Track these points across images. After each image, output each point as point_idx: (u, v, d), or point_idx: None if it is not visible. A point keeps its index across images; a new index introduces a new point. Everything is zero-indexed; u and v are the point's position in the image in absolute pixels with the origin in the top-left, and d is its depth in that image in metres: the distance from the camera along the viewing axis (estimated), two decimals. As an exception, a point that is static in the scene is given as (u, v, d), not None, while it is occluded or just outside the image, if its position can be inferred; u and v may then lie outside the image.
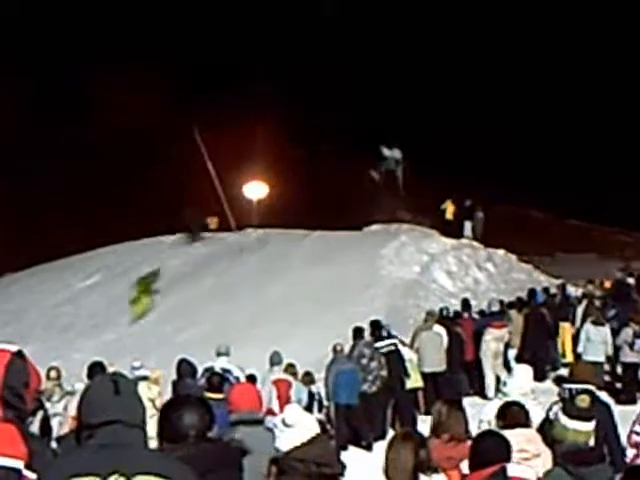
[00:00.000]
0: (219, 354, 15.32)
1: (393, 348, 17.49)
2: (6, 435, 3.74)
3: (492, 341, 19.71)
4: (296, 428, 4.81)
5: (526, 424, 7.39)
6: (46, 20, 59.55)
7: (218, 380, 12.22)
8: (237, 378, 14.54)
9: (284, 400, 14.51)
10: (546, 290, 25.31)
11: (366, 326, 18.00)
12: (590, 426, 6.63)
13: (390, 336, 18.08)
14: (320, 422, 13.31)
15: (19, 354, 3.94)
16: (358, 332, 17.43)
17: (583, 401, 6.81)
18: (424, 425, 13.12)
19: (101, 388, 3.56)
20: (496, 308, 20.92)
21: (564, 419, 6.60)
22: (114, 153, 54.03)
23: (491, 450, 5.29)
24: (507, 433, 6.00)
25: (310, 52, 60.12)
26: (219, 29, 61.63)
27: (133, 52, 56.16)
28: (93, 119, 52.02)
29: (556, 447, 6.71)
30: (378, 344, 17.33)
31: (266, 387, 14.76)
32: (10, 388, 3.84)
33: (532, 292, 23.93)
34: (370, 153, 40.08)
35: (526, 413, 7.46)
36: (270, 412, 13.42)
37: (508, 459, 5.27)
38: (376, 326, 18.16)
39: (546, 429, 7.47)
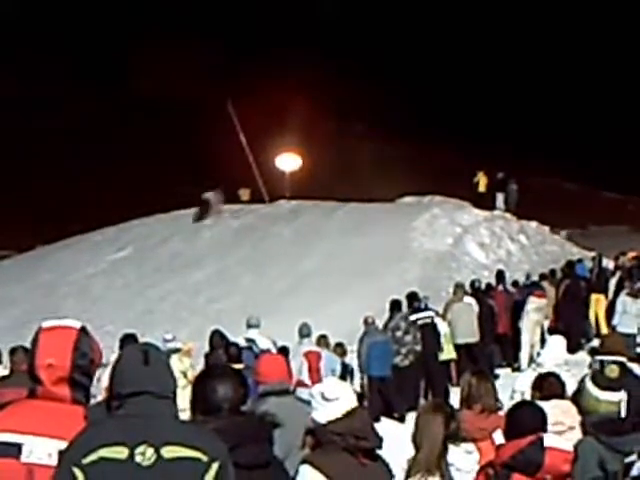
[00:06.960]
0: (250, 326, 15.26)
1: (429, 321, 17.40)
2: (73, 419, 3.67)
3: (533, 311, 19.58)
4: (336, 402, 4.75)
5: (562, 396, 7.37)
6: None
7: (235, 350, 12.43)
8: (262, 349, 14.49)
9: (315, 372, 14.48)
10: (579, 261, 25.14)
11: (402, 298, 17.87)
12: (620, 395, 6.60)
13: (427, 308, 18.01)
14: (357, 393, 13.31)
15: (84, 330, 3.88)
16: (396, 305, 17.21)
17: (612, 371, 6.78)
18: (456, 397, 13.10)
19: (131, 358, 3.54)
20: (535, 278, 20.95)
21: (595, 390, 6.56)
22: (146, 124, 54.18)
23: (527, 420, 5.25)
24: (543, 404, 5.96)
25: (345, 24, 60.05)
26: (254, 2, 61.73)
27: (167, 24, 56.37)
28: (125, 90, 52.17)
29: (587, 418, 6.67)
30: (414, 316, 17.22)
31: (296, 359, 14.70)
32: (79, 367, 3.78)
33: (571, 264, 23.75)
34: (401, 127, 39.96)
35: (562, 385, 7.44)
36: (301, 384, 13.40)
37: (544, 430, 5.22)
38: (413, 298, 18.03)
39: (578, 400, 7.44)
